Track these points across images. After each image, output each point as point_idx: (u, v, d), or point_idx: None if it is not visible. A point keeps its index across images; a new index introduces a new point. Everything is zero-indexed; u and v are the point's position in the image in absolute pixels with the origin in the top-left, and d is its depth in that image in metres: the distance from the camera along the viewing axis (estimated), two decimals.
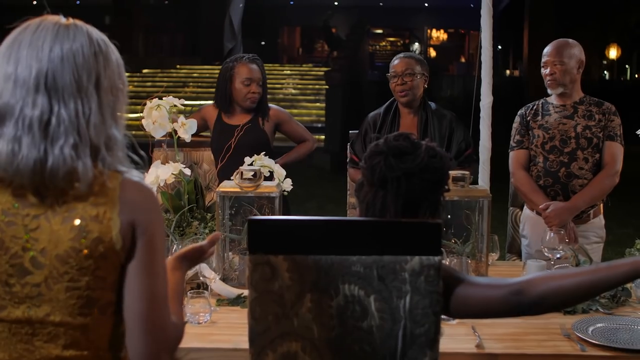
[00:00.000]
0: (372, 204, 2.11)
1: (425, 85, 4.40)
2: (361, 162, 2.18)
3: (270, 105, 4.83)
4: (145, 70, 23.85)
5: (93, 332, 1.78)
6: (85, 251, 1.72)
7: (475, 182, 4.40)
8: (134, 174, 1.81)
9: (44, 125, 1.69)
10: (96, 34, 1.81)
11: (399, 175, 2.08)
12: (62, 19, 1.79)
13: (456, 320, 2.79)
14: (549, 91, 4.26)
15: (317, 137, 5.24)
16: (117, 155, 1.79)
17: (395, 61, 4.43)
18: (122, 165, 1.80)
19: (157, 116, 3.50)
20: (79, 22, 1.80)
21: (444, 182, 2.16)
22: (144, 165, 1.91)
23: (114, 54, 1.84)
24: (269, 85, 5.08)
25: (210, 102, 4.90)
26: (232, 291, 3.14)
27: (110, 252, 1.74)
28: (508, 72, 33.64)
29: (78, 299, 1.74)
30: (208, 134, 4.82)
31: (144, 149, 3.84)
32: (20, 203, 1.72)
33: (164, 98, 3.56)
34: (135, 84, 22.16)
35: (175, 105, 3.56)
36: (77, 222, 1.72)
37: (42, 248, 1.72)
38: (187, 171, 3.54)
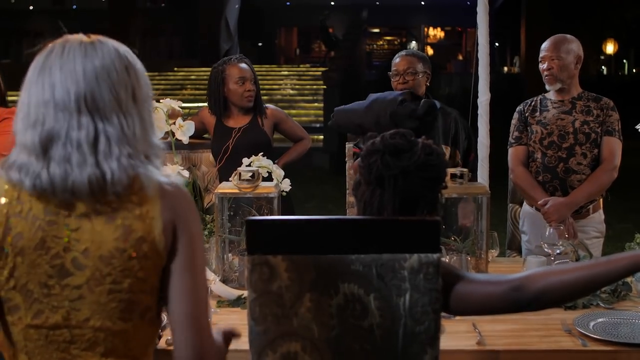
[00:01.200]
0: (369, 203, 2.11)
1: (427, 83, 4.39)
2: (358, 160, 2.18)
3: (266, 105, 4.84)
4: None
5: (132, 339, 1.77)
6: (130, 251, 1.71)
7: (473, 179, 4.40)
8: (172, 177, 1.83)
9: (92, 143, 1.69)
10: (122, 47, 1.82)
11: (396, 173, 2.07)
12: (84, 37, 1.80)
13: (457, 317, 2.78)
14: (547, 87, 4.26)
15: (315, 137, 5.26)
16: (162, 161, 1.82)
17: (397, 59, 4.41)
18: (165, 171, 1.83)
19: (154, 118, 3.49)
20: (102, 38, 1.81)
21: (441, 180, 2.16)
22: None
23: (139, 63, 1.85)
24: (266, 86, 5.12)
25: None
26: (232, 292, 3.13)
27: (152, 252, 1.73)
28: (506, 69, 33.65)
29: (119, 302, 1.73)
30: (208, 136, 4.82)
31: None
32: (61, 204, 1.71)
33: (161, 100, 3.56)
34: None
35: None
36: (120, 221, 1.71)
37: (84, 249, 1.70)
38: (186, 173, 3.54)
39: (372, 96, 4.14)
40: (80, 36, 1.80)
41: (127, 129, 1.73)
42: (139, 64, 1.84)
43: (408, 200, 2.09)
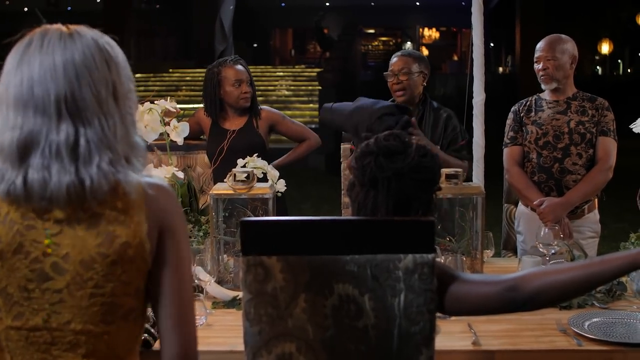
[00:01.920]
0: (363, 204, 2.11)
1: (424, 84, 4.38)
2: (352, 161, 2.18)
3: (262, 107, 4.83)
4: (137, 75, 23.80)
5: (114, 340, 1.74)
6: (113, 257, 1.68)
7: (469, 179, 4.40)
8: (154, 177, 1.80)
9: (72, 148, 1.65)
10: (101, 39, 1.76)
11: (389, 175, 2.07)
12: (63, 28, 1.74)
13: (452, 318, 2.78)
14: (542, 86, 4.27)
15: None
16: (142, 162, 1.77)
17: (394, 59, 4.41)
18: (146, 170, 1.79)
19: (149, 120, 3.49)
20: (80, 29, 1.75)
21: (435, 181, 2.16)
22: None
23: (120, 53, 1.80)
24: (262, 87, 5.12)
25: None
26: (228, 293, 3.13)
27: (137, 256, 1.71)
28: (501, 69, 33.67)
29: (101, 305, 1.70)
30: (204, 137, 4.82)
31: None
32: (40, 209, 1.67)
33: (156, 102, 3.56)
34: None
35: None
36: (104, 227, 1.68)
37: (65, 253, 1.67)
38: (180, 174, 3.54)
39: (359, 101, 4.13)
40: (59, 27, 1.74)
41: (108, 131, 1.69)
42: (120, 55, 1.78)
43: (402, 201, 2.09)
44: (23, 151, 1.65)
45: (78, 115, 1.67)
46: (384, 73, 4.40)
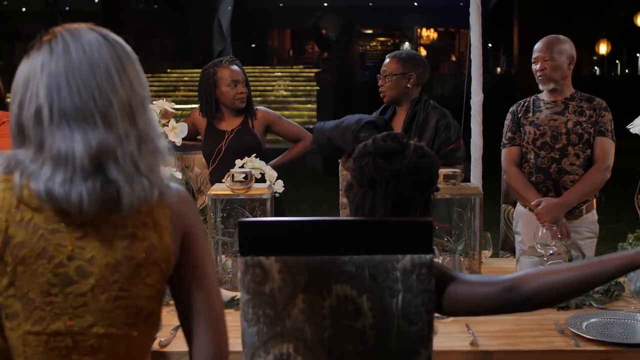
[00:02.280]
0: (361, 205, 2.11)
1: (409, 85, 4.37)
2: (349, 162, 2.18)
3: (257, 107, 4.83)
4: None
5: (134, 343, 1.73)
6: (139, 259, 1.67)
7: (467, 179, 4.41)
8: (174, 182, 1.80)
9: (97, 160, 1.61)
10: (118, 43, 1.73)
11: (387, 176, 2.08)
12: (95, 29, 1.72)
13: (450, 318, 2.79)
14: (540, 87, 4.27)
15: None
16: (165, 166, 1.77)
17: (386, 60, 4.46)
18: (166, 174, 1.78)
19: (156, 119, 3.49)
20: (103, 30, 1.73)
21: (433, 182, 2.16)
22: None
23: (136, 61, 1.76)
24: (260, 88, 5.11)
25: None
26: (226, 294, 3.13)
27: (162, 259, 1.71)
28: (499, 69, 33.69)
29: (125, 309, 1.68)
30: (200, 137, 4.82)
31: None
32: (64, 213, 1.64)
33: (154, 102, 3.55)
34: None
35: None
36: (130, 229, 1.67)
37: (90, 256, 1.64)
38: (178, 175, 3.53)
39: (345, 120, 4.13)
40: (85, 25, 1.73)
41: (133, 140, 1.67)
42: (136, 63, 1.76)
43: (400, 202, 2.10)
44: (97, 163, 1.62)
45: (104, 122, 1.64)
46: (378, 75, 4.45)
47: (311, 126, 4.66)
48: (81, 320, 1.67)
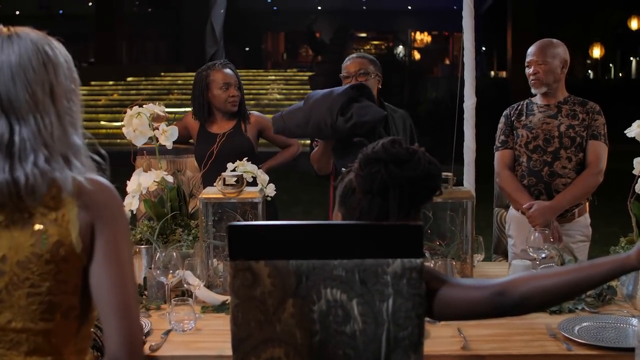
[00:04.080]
0: (367, 211, 2.07)
1: (379, 86, 4.36)
2: (348, 166, 2.16)
3: (251, 112, 4.83)
4: (129, 79, 23.83)
5: (56, 337, 1.76)
6: (46, 256, 1.70)
7: (460, 183, 4.40)
8: (94, 175, 1.80)
9: (6, 146, 1.68)
10: (41, 41, 1.78)
11: (403, 183, 2.05)
12: (3, 30, 1.77)
13: (441, 322, 2.78)
14: (533, 91, 4.27)
15: (302, 141, 5.22)
16: (84, 162, 1.78)
17: (348, 62, 4.37)
18: (89, 171, 1.78)
19: (138, 124, 3.48)
20: (20, 31, 1.78)
21: (439, 188, 2.15)
22: (107, 166, 1.88)
23: (62, 55, 1.81)
24: (253, 91, 5.11)
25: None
26: (217, 298, 3.12)
27: (71, 255, 1.72)
28: (493, 73, 33.73)
29: (39, 304, 1.72)
30: (192, 141, 4.81)
31: (126, 157, 3.82)
32: None
33: (144, 105, 3.55)
34: (120, 92, 22.15)
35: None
36: (37, 227, 1.70)
37: (2, 255, 1.69)
38: (170, 178, 3.52)
39: (311, 99, 3.92)
40: (0, 28, 1.78)
41: (44, 130, 1.71)
42: (61, 57, 1.80)
43: (409, 209, 2.08)
44: None
45: (12, 114, 1.70)
46: (340, 75, 4.37)
47: None
48: (0, 316, 1.71)
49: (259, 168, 3.59)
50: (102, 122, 18.98)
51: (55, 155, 1.72)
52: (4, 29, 1.77)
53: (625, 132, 3.54)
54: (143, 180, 3.41)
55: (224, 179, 3.27)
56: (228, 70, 4.68)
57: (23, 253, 1.70)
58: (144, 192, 3.43)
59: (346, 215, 2.14)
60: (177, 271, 3.05)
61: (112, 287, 1.76)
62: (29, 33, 1.78)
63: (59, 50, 1.81)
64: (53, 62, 1.77)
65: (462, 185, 4.42)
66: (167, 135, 3.57)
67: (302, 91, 22.33)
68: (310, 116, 3.81)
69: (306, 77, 22.99)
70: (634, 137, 3.49)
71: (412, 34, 36.05)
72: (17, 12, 30.13)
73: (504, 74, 30.06)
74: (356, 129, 3.74)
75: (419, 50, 35.60)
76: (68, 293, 1.74)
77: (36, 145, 1.69)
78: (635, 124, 3.54)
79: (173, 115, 4.38)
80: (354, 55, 4.47)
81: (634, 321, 2.84)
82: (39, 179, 1.67)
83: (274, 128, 4.08)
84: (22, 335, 1.73)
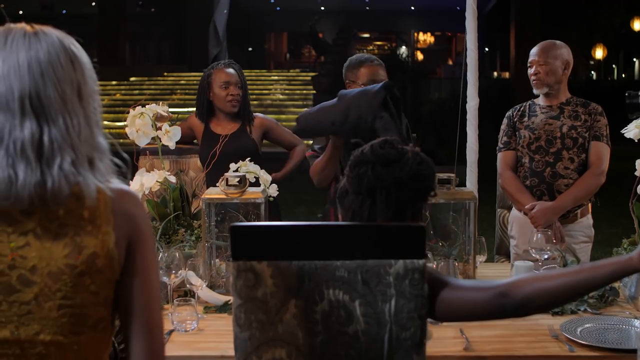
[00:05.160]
0: (358, 212, 2.09)
1: None
2: (345, 169, 2.16)
3: (256, 114, 4.82)
4: (132, 79, 23.82)
5: (84, 351, 1.71)
6: (81, 267, 1.65)
7: (462, 184, 4.40)
8: (117, 182, 1.77)
9: (37, 146, 1.63)
10: (66, 39, 1.75)
11: (389, 184, 2.06)
12: (27, 27, 1.73)
13: (444, 323, 2.77)
14: (534, 91, 4.27)
15: (305, 142, 5.21)
16: (107, 164, 1.75)
17: (361, 68, 4.26)
18: (110, 174, 1.76)
19: (141, 124, 3.49)
20: (45, 29, 1.74)
21: (432, 188, 2.15)
22: (128, 169, 1.87)
23: (85, 55, 1.78)
24: (256, 91, 5.09)
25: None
26: (219, 298, 3.12)
27: (106, 267, 1.68)
28: (495, 73, 33.70)
29: (70, 317, 1.67)
30: (197, 141, 4.81)
31: (129, 157, 3.82)
32: (4, 221, 1.65)
33: (147, 106, 3.55)
34: (123, 92, 22.14)
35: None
36: (71, 237, 1.66)
37: (32, 266, 1.64)
38: (173, 179, 3.53)
39: (349, 94, 3.77)
40: (23, 25, 1.73)
41: (72, 131, 1.67)
42: (85, 57, 1.77)
43: (399, 210, 2.08)
44: None
45: (42, 113, 1.65)
46: (347, 80, 4.32)
47: None
48: (27, 328, 1.66)
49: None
50: (105, 122, 18.90)
51: (81, 157, 1.68)
52: (28, 27, 1.73)
53: (622, 131, 3.55)
54: (146, 181, 3.41)
55: (227, 179, 3.27)
56: (230, 70, 4.68)
57: (56, 264, 1.65)
58: (146, 192, 3.43)
59: (343, 215, 2.15)
60: (179, 271, 3.05)
61: (141, 304, 1.75)
62: (53, 31, 1.74)
63: (83, 51, 1.78)
64: (79, 60, 1.74)
65: (465, 186, 4.42)
66: (170, 136, 3.57)
67: (304, 91, 22.34)
68: (349, 113, 3.72)
69: (309, 78, 22.97)
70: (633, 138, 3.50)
71: (415, 34, 36.00)
72: (20, 12, 30.17)
73: (506, 74, 30.04)
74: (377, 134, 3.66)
75: (422, 50, 35.59)
76: (99, 305, 1.71)
77: (64, 147, 1.65)
78: (633, 124, 3.54)
79: (176, 115, 4.38)
80: (362, 59, 4.37)
81: (637, 322, 2.84)
82: (63, 182, 1.63)
83: (299, 127, 3.89)
84: (50, 348, 1.67)
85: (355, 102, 3.65)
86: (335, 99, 3.73)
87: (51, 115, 1.66)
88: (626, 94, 3.70)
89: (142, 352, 1.75)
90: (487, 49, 30.97)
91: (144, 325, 1.75)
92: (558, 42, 4.29)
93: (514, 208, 4.37)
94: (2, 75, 1.65)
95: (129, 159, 1.86)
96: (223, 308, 3.07)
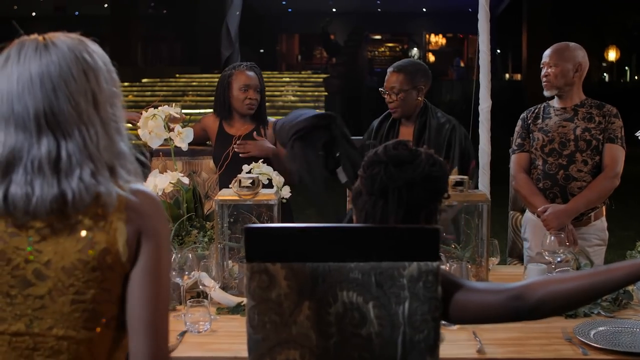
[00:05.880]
0: (371, 213, 2.09)
1: (419, 97, 4.31)
2: (359, 170, 2.16)
3: (270, 118, 4.81)
4: (144, 80, 23.88)
5: (97, 347, 1.73)
6: (93, 263, 1.68)
7: (475, 186, 4.39)
8: (139, 184, 1.78)
9: (54, 162, 1.66)
10: (77, 46, 1.75)
11: (400, 185, 2.06)
12: (39, 39, 1.73)
13: (457, 326, 2.77)
14: (545, 93, 4.26)
15: None
16: (129, 169, 1.77)
17: (387, 75, 4.36)
18: (133, 177, 1.77)
19: (153, 126, 3.49)
20: (56, 39, 1.74)
21: (445, 190, 2.15)
22: (148, 170, 1.88)
23: (100, 58, 1.78)
24: (268, 93, 5.05)
25: (210, 110, 4.88)
26: (232, 299, 3.13)
27: (116, 263, 1.70)
28: (507, 75, 33.65)
29: (83, 312, 1.70)
30: (209, 143, 4.81)
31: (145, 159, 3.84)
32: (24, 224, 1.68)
33: (159, 107, 3.56)
34: (135, 93, 22.19)
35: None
36: (84, 233, 1.68)
37: (46, 260, 1.67)
38: (186, 180, 3.53)
39: (289, 116, 3.71)
40: (35, 37, 1.74)
41: (90, 142, 1.69)
42: (100, 61, 1.77)
43: (411, 211, 2.08)
44: (6, 167, 1.67)
45: (58, 129, 1.68)
46: (380, 89, 4.35)
47: None
48: (41, 322, 1.70)
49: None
50: None
51: (101, 167, 1.70)
52: (40, 38, 1.74)
53: (637, 134, 3.53)
54: (159, 182, 3.42)
55: (240, 180, 3.27)
56: (251, 73, 4.67)
57: (69, 259, 1.68)
58: (159, 193, 3.44)
59: (357, 216, 2.15)
60: (192, 273, 3.05)
61: (147, 302, 1.75)
62: (64, 40, 1.74)
63: (97, 54, 1.78)
64: (93, 68, 1.74)
65: (477, 188, 4.42)
66: (183, 137, 3.58)
67: (316, 93, 22.35)
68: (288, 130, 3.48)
69: (320, 79, 23.00)
70: None
71: (427, 36, 36.00)
72: (33, 14, 30.28)
73: (518, 76, 29.99)
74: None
75: (434, 52, 35.57)
76: (111, 302, 1.73)
77: (82, 159, 1.68)
78: None
79: (188, 116, 4.39)
80: (393, 67, 4.39)
81: None
82: (84, 193, 1.66)
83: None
84: (63, 342, 1.70)
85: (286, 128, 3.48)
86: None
87: (67, 130, 1.68)
88: None
89: (141, 353, 1.75)
90: (499, 51, 30.92)
91: (147, 324, 1.75)
92: (572, 44, 4.27)
93: (527, 210, 4.36)
94: (18, 94, 1.68)
95: (147, 161, 1.87)
96: (236, 309, 3.07)
